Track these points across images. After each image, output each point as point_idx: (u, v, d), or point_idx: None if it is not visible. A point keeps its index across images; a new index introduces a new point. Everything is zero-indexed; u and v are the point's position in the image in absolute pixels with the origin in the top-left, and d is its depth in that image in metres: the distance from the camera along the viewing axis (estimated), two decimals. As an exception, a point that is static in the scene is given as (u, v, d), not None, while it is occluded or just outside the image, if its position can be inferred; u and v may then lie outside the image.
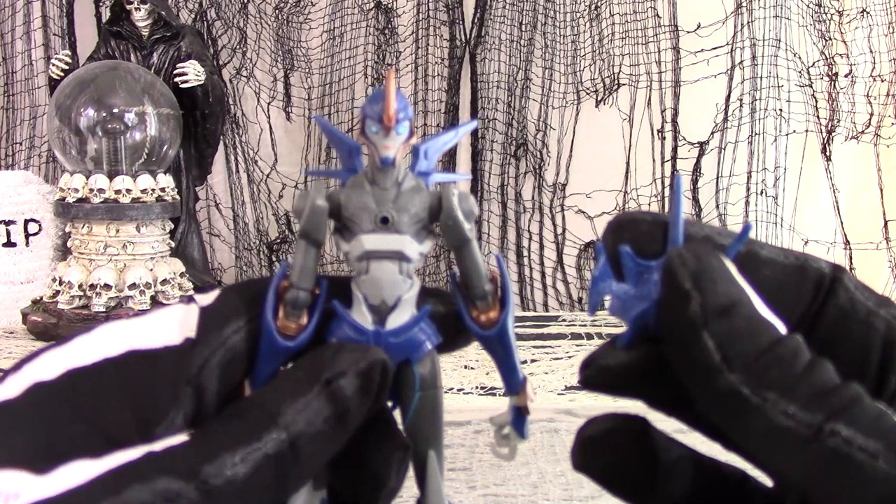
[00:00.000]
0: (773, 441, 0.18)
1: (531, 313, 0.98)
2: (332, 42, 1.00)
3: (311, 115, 1.00)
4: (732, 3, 0.97)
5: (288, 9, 1.00)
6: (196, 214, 0.93)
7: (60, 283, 0.77)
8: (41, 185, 0.89)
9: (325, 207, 0.22)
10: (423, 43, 0.99)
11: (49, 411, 0.19)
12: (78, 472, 0.17)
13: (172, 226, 0.83)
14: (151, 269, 0.78)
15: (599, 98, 0.98)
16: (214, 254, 1.02)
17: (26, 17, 1.00)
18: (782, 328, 0.19)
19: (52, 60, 0.84)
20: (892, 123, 0.98)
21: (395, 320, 0.22)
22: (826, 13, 0.97)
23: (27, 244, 0.87)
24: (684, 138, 0.98)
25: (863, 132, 0.98)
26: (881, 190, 0.99)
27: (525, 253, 1.00)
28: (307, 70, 1.00)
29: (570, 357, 0.74)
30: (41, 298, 0.81)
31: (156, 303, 0.78)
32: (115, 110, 0.78)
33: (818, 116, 0.98)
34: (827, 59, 0.97)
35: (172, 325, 0.21)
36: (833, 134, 0.98)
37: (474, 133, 0.99)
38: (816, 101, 0.98)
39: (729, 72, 0.97)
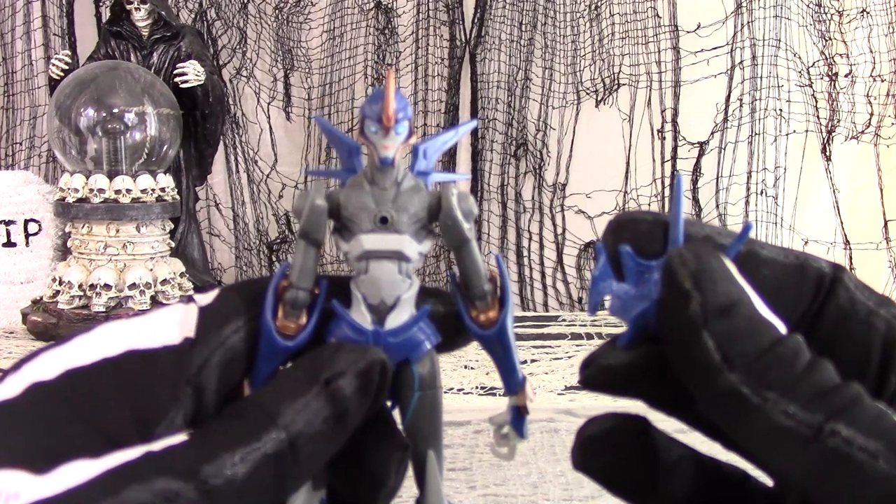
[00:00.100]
0: (774, 441, 0.17)
1: (531, 313, 0.98)
2: (332, 42, 1.00)
3: (311, 115, 1.00)
4: (732, 3, 0.97)
5: (288, 9, 1.00)
6: (196, 214, 0.93)
7: (60, 283, 0.77)
8: (41, 185, 0.89)
9: (325, 207, 0.22)
10: (423, 43, 0.99)
11: (48, 411, 0.19)
12: (77, 472, 0.17)
13: (172, 226, 0.83)
14: (151, 269, 0.78)
15: (599, 98, 0.98)
16: (214, 254, 1.02)
17: (26, 17, 1.00)
18: (782, 328, 0.19)
19: (52, 60, 0.84)
20: (892, 123, 0.98)
21: (395, 320, 0.22)
22: (826, 13, 0.97)
23: (27, 244, 0.87)
24: (684, 138, 0.98)
25: (863, 132, 0.98)
26: (881, 190, 0.99)
27: (525, 253, 1.00)
28: (307, 70, 1.00)
29: (570, 357, 0.74)
30: (41, 298, 0.81)
31: (156, 303, 0.78)
32: (115, 110, 0.78)
33: (818, 116, 0.98)
34: (827, 59, 0.97)
35: (172, 325, 0.21)
36: (833, 134, 0.98)
37: (474, 133, 0.99)
38: (816, 101, 0.98)
39: (729, 72, 0.97)
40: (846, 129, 0.98)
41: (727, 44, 0.97)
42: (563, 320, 0.89)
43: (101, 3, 1.00)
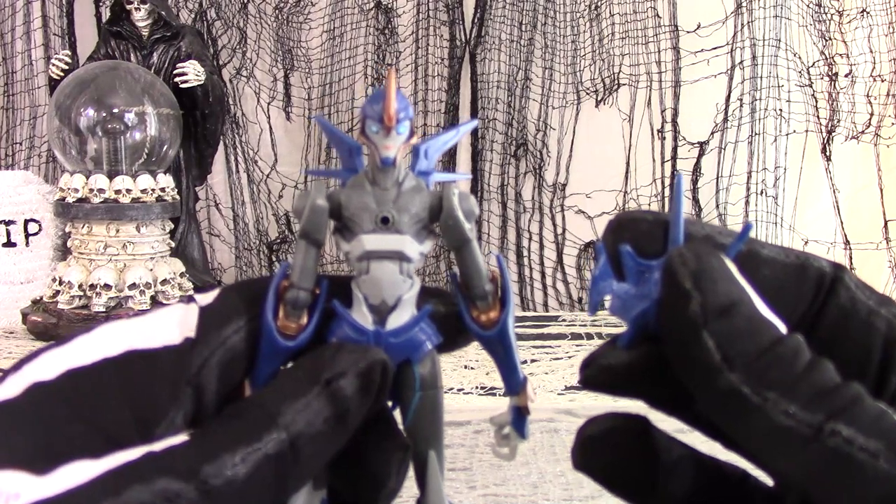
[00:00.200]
0: (774, 441, 0.17)
1: (531, 313, 0.98)
2: (332, 42, 1.00)
3: (311, 115, 1.00)
4: (732, 3, 0.97)
5: (288, 9, 1.00)
6: (196, 214, 0.93)
7: (60, 283, 0.77)
8: (41, 185, 0.89)
9: (326, 207, 0.22)
10: (423, 43, 0.99)
11: (49, 411, 0.19)
12: (78, 473, 0.17)
13: (172, 226, 0.83)
14: (151, 269, 0.78)
15: (599, 98, 0.98)
16: (214, 254, 1.02)
17: (26, 17, 1.00)
18: (783, 328, 0.19)
19: (52, 60, 0.84)
20: (892, 123, 0.98)
21: (396, 320, 0.22)
22: (826, 13, 0.97)
23: (27, 244, 0.87)
24: (684, 138, 0.98)
25: (863, 132, 0.98)
26: (881, 190, 0.99)
27: (525, 253, 1.00)
28: (307, 70, 1.00)
29: (570, 357, 0.74)
30: (41, 298, 0.81)
31: (156, 303, 0.78)
32: (115, 110, 0.78)
33: (818, 116, 0.98)
34: (827, 59, 0.97)
35: (172, 325, 0.21)
36: (833, 134, 0.98)
37: (474, 133, 0.99)
38: (816, 101, 0.98)
39: (729, 72, 0.97)
40: (846, 129, 0.98)
41: (727, 44, 0.97)
42: (563, 320, 0.89)
43: (101, 3, 1.00)
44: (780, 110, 0.98)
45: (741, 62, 0.97)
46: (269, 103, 1.01)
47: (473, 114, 0.99)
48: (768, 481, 0.22)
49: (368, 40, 1.00)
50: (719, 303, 0.18)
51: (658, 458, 0.22)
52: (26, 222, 0.86)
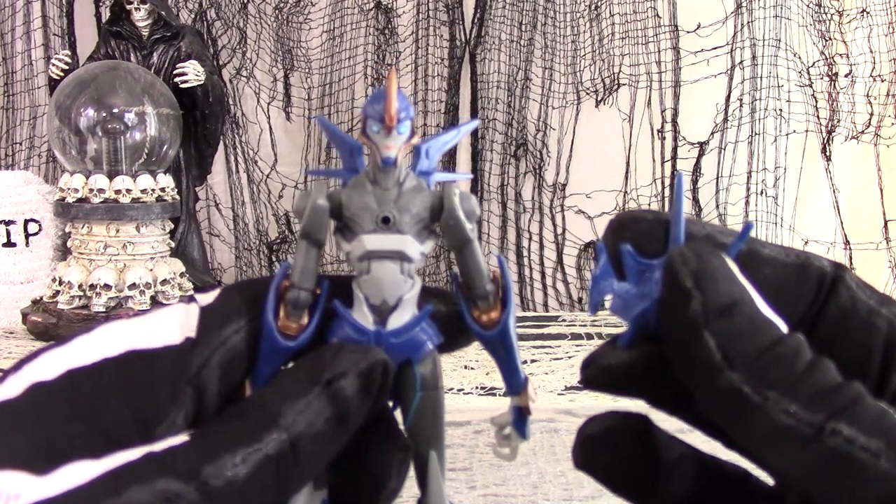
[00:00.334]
0: (775, 440, 0.17)
1: (531, 313, 0.98)
2: (332, 42, 1.00)
3: (311, 115, 1.00)
4: (732, 3, 0.97)
5: (288, 9, 1.00)
6: (196, 214, 0.93)
7: (60, 283, 0.77)
8: (41, 185, 0.89)
9: (327, 207, 0.21)
10: (423, 43, 0.99)
11: (49, 411, 0.19)
12: (78, 473, 0.17)
13: (172, 226, 0.83)
14: (151, 269, 0.78)
15: (599, 98, 0.98)
16: (214, 254, 1.02)
17: (26, 17, 1.00)
18: (783, 327, 0.18)
19: (52, 60, 0.84)
20: (892, 123, 0.98)
21: (397, 320, 0.22)
22: (826, 13, 0.97)
23: (27, 244, 0.87)
24: (684, 138, 0.98)
25: (863, 132, 0.98)
26: (881, 190, 0.99)
27: (525, 253, 1.00)
28: (307, 70, 1.00)
29: (570, 357, 0.74)
30: (41, 298, 0.81)
31: (156, 303, 0.78)
32: (115, 110, 0.78)
33: (818, 116, 0.98)
34: (827, 59, 0.97)
35: (173, 325, 0.21)
36: (833, 134, 0.98)
37: (474, 133, 0.99)
38: (816, 101, 0.98)
39: (729, 72, 0.97)
40: (846, 129, 0.98)
41: (727, 44, 0.97)
42: (563, 320, 0.89)
43: (101, 3, 1.00)
44: (780, 110, 0.98)
45: (741, 62, 0.97)
46: (269, 103, 1.01)
47: (473, 114, 0.99)
48: (769, 481, 0.22)
49: (368, 40, 1.00)
50: (720, 302, 0.18)
51: (659, 457, 0.22)
52: (26, 222, 0.86)
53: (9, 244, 0.86)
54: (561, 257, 0.99)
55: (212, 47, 0.98)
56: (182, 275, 0.82)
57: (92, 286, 0.76)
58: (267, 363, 0.21)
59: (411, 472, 0.23)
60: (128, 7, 0.83)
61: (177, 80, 0.83)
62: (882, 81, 0.97)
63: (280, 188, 1.01)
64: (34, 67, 1.01)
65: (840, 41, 0.97)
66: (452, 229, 0.22)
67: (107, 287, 0.75)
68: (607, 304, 0.21)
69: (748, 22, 0.97)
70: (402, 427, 0.23)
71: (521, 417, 0.23)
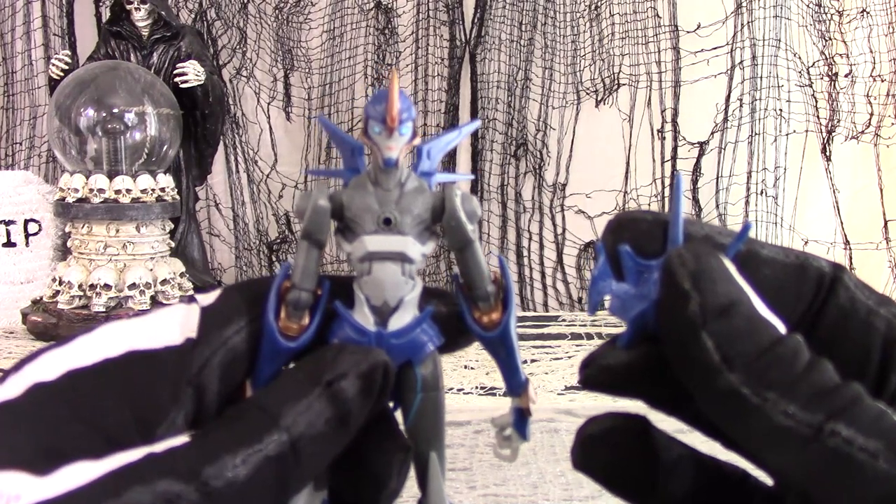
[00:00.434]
0: (773, 441, 0.18)
1: (531, 313, 0.98)
2: (332, 42, 1.00)
3: (311, 115, 1.00)
4: (732, 3, 0.97)
5: (288, 9, 1.00)
6: (196, 214, 0.93)
7: (60, 283, 0.77)
8: (41, 185, 0.89)
9: (328, 208, 0.21)
10: (423, 43, 0.99)
11: (50, 412, 0.19)
12: (78, 474, 0.17)
13: (172, 226, 0.83)
14: (151, 269, 0.78)
15: (599, 98, 0.98)
16: (214, 254, 1.02)
17: (26, 17, 1.00)
18: (782, 328, 0.19)
19: (52, 60, 0.84)
20: (892, 123, 0.98)
21: (398, 321, 0.22)
22: (826, 13, 0.97)
23: (27, 244, 0.87)
24: (684, 138, 0.98)
25: (863, 132, 0.98)
26: (881, 190, 0.99)
27: (525, 253, 1.00)
28: (307, 70, 1.00)
29: (570, 357, 0.74)
30: (41, 298, 0.81)
31: (156, 303, 0.78)
32: (115, 110, 0.78)
33: (818, 116, 0.98)
34: (827, 59, 0.97)
35: (173, 325, 0.21)
36: (833, 134, 0.98)
37: (474, 133, 0.99)
38: (816, 101, 0.98)
39: (729, 72, 0.97)
40: (846, 129, 0.98)
41: (727, 44, 0.97)
42: (563, 320, 0.89)
43: (101, 3, 1.00)
44: (780, 110, 0.98)
45: (741, 62, 0.97)
46: (269, 103, 1.01)
47: (473, 114, 0.99)
48: (768, 481, 0.22)
49: (368, 40, 1.00)
50: (718, 303, 0.18)
51: (658, 457, 0.22)
52: (26, 222, 0.86)
53: (9, 244, 0.86)
54: (561, 257, 0.99)
55: (212, 47, 0.98)
56: (182, 275, 0.82)
57: (92, 286, 0.76)
58: (268, 364, 0.21)
59: (411, 473, 0.23)
60: (128, 7, 0.83)
61: (177, 80, 0.83)
62: (882, 81, 0.97)
63: (280, 188, 1.01)
64: (34, 67, 1.01)
65: (840, 41, 0.97)
66: (454, 230, 0.22)
67: (107, 287, 0.75)
68: (607, 305, 0.22)
69: (748, 22, 0.97)
70: (402, 428, 0.23)
71: (521, 419, 0.23)
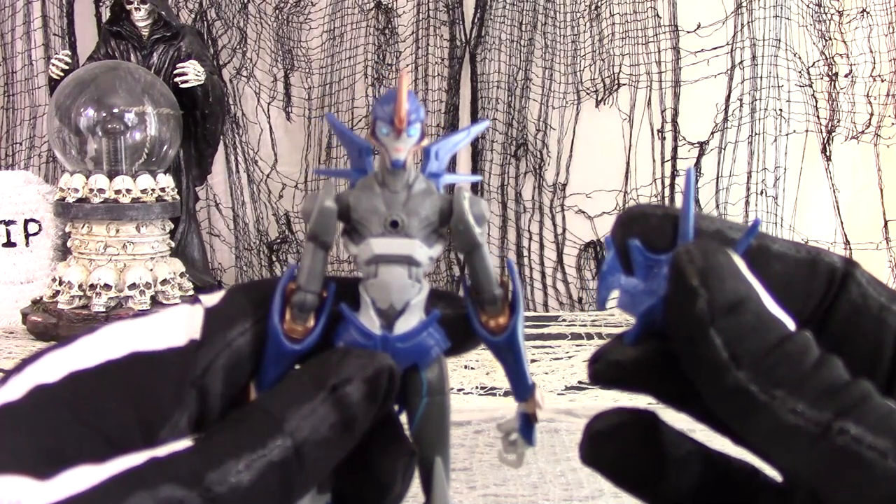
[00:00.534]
0: (782, 439, 0.17)
1: (531, 313, 0.97)
2: (332, 42, 1.00)
3: (311, 115, 1.00)
4: (732, 3, 0.96)
5: (288, 9, 0.99)
6: (196, 214, 0.93)
7: (60, 283, 0.77)
8: (41, 185, 0.88)
9: (335, 209, 0.21)
10: (423, 43, 0.99)
11: (51, 415, 0.19)
12: (81, 478, 0.17)
13: (172, 226, 0.83)
14: (151, 269, 0.78)
15: (599, 98, 0.98)
16: (214, 254, 1.02)
17: (26, 17, 1.00)
18: (791, 324, 0.18)
19: (52, 60, 0.84)
20: (893, 123, 0.98)
21: (404, 325, 0.21)
22: (826, 13, 0.97)
23: (27, 244, 0.86)
24: (684, 138, 0.98)
25: (863, 132, 0.98)
26: (881, 190, 0.99)
27: (525, 253, 1.00)
28: (307, 70, 1.00)
29: (570, 357, 0.74)
30: (41, 298, 0.81)
31: (156, 303, 0.78)
32: (115, 110, 0.78)
33: (818, 116, 0.98)
34: (827, 59, 0.97)
35: (177, 327, 0.21)
36: (833, 134, 0.98)
37: (475, 133, 0.98)
38: (816, 101, 0.98)
39: (729, 72, 0.97)
40: (846, 129, 0.98)
41: (727, 44, 0.97)
42: (563, 320, 0.89)
43: (101, 3, 0.99)
44: (780, 110, 0.98)
45: (741, 62, 0.97)
46: (269, 103, 1.01)
47: (473, 114, 0.99)
48: (777, 477, 0.22)
49: (368, 40, 0.99)
50: (726, 300, 0.18)
51: (666, 453, 0.22)
52: (26, 222, 0.86)
53: (9, 244, 0.86)
54: (561, 257, 0.99)
55: (212, 47, 0.98)
56: (182, 275, 0.82)
57: (92, 286, 0.76)
58: (272, 366, 0.21)
59: (416, 478, 0.23)
60: (128, 7, 0.83)
61: (177, 80, 0.83)
62: (882, 81, 0.97)
63: (280, 188, 1.01)
64: (34, 67, 1.01)
65: (840, 41, 0.97)
66: (462, 234, 0.21)
67: (107, 287, 0.75)
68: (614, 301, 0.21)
69: (748, 22, 0.97)
70: (407, 432, 0.23)
71: (527, 424, 0.23)
